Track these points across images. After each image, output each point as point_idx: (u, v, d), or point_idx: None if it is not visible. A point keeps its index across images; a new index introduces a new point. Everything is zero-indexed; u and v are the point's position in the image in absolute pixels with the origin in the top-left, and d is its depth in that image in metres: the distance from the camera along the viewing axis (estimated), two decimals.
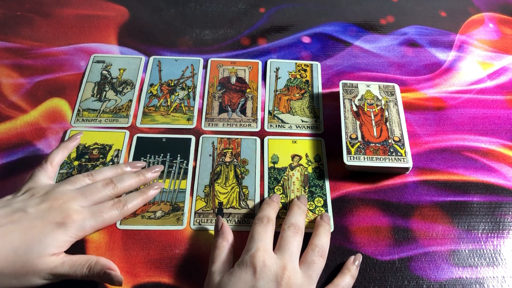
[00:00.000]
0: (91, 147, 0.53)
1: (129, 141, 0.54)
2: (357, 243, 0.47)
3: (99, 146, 0.53)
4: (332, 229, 0.48)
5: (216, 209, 0.49)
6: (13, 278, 0.37)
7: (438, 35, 0.68)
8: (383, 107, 0.56)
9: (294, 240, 0.42)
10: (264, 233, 0.42)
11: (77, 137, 0.52)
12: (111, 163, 0.52)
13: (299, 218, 0.45)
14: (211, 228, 0.48)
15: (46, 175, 0.46)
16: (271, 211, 0.45)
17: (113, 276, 0.40)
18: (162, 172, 0.51)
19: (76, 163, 0.52)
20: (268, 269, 0.38)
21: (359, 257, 0.45)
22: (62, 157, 0.50)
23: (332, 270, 0.45)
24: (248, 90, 0.60)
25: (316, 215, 0.49)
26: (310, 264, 0.41)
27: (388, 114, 0.55)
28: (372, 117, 0.54)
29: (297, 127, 0.56)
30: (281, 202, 0.50)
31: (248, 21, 0.68)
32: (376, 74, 0.62)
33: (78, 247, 0.46)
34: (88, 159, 0.52)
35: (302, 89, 0.60)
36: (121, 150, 0.53)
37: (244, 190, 0.51)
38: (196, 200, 0.50)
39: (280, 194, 0.50)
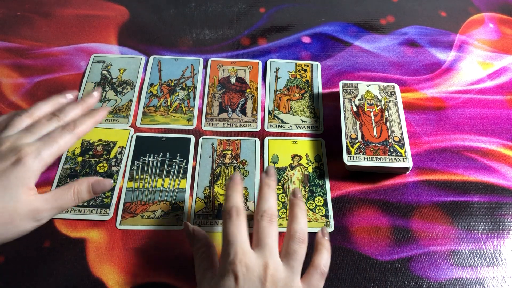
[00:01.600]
0: (95, 143, 0.53)
1: (132, 139, 0.54)
2: (357, 243, 0.47)
3: (104, 143, 0.53)
4: (332, 229, 0.48)
5: (216, 211, 0.49)
6: (2, 229, 0.36)
7: (438, 35, 0.68)
8: (383, 107, 0.56)
9: (270, 230, 0.40)
10: (237, 232, 0.39)
11: (67, 96, 0.46)
12: (114, 160, 0.52)
13: (270, 200, 0.42)
14: (211, 229, 0.48)
15: (21, 126, 0.43)
16: (237, 197, 0.42)
17: (103, 183, 0.40)
18: (162, 171, 0.51)
19: (80, 159, 0.52)
20: (251, 272, 0.37)
21: (325, 229, 0.44)
22: (48, 110, 0.45)
23: (332, 270, 0.45)
24: (248, 90, 0.60)
25: (316, 214, 0.49)
26: (291, 254, 0.40)
27: (388, 114, 0.55)
28: (372, 117, 0.54)
29: (297, 127, 0.56)
30: (281, 202, 0.50)
31: (248, 21, 0.68)
32: (376, 74, 0.62)
33: (78, 247, 0.46)
34: (92, 155, 0.52)
35: (302, 89, 0.60)
36: (125, 147, 0.53)
37: (243, 191, 0.51)
38: (196, 202, 0.50)
39: (280, 194, 0.50)
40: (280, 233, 0.45)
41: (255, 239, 0.40)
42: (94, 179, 0.41)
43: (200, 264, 0.41)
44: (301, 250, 0.40)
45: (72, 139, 0.41)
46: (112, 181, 0.42)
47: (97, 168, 0.51)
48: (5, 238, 0.36)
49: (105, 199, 0.49)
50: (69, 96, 0.46)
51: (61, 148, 0.40)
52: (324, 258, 0.42)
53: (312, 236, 0.44)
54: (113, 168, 0.51)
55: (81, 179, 0.40)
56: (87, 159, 0.52)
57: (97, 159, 0.52)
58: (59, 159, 0.52)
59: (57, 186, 0.49)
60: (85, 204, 0.48)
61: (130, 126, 0.55)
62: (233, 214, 0.40)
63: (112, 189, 0.50)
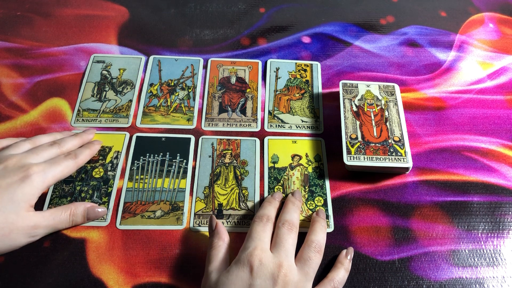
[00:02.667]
0: None
1: (129, 143, 0.54)
2: (357, 243, 0.47)
3: (99, 148, 0.53)
4: (332, 229, 0.48)
5: (216, 211, 0.49)
6: None
7: (438, 35, 0.68)
8: (383, 107, 0.56)
9: (289, 237, 0.42)
10: (262, 232, 0.42)
11: (68, 132, 0.53)
12: (110, 165, 0.52)
13: (293, 214, 0.45)
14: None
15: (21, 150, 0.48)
16: (271, 210, 0.45)
17: (97, 210, 0.44)
18: (162, 171, 0.51)
19: None
20: (265, 267, 0.38)
21: (351, 251, 0.46)
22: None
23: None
24: (248, 90, 0.60)
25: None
26: (306, 260, 0.41)
27: (388, 114, 0.55)
28: (372, 117, 0.54)
29: (297, 127, 0.56)
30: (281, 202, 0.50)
31: (248, 21, 0.68)
32: (376, 74, 0.62)
33: (77, 247, 0.46)
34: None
35: (302, 89, 0.60)
36: (121, 152, 0.53)
37: (243, 191, 0.51)
38: (195, 202, 0.50)
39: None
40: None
41: (274, 241, 0.42)
42: (90, 205, 0.45)
43: (215, 254, 0.42)
44: (316, 258, 0.42)
45: (73, 167, 0.46)
46: (106, 209, 0.47)
47: (93, 173, 0.51)
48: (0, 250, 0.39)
49: (102, 204, 0.49)
50: (67, 132, 0.52)
51: (64, 172, 0.45)
52: (340, 275, 0.43)
53: (335, 258, 0.46)
54: (109, 173, 0.51)
55: (78, 202, 0.45)
56: (82, 165, 0.51)
57: (93, 164, 0.51)
58: None
59: (53, 192, 0.49)
60: None
61: (127, 128, 0.55)
62: (263, 219, 0.44)
63: (109, 193, 0.50)
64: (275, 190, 0.51)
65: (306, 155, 0.54)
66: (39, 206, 0.48)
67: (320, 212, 0.48)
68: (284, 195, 0.50)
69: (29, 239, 0.40)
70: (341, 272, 0.44)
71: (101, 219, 0.48)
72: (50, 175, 0.43)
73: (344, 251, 0.45)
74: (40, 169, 0.42)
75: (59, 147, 0.47)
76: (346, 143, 0.52)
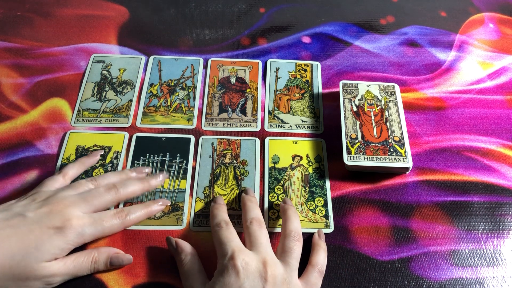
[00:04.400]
0: (90, 149, 0.53)
1: (129, 143, 0.54)
2: (357, 243, 0.47)
3: (99, 148, 0.53)
4: (332, 229, 0.48)
5: None
6: (12, 283, 0.37)
7: (438, 35, 0.68)
8: (383, 107, 0.56)
9: (261, 233, 0.42)
10: (230, 235, 0.41)
11: (97, 154, 0.51)
12: (110, 165, 0.52)
13: (256, 211, 0.45)
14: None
15: (55, 185, 0.45)
16: (223, 214, 0.45)
17: (121, 259, 0.42)
18: (162, 171, 0.51)
19: None
20: (250, 266, 0.38)
21: (321, 231, 0.46)
22: (77, 172, 0.49)
23: (332, 270, 0.45)
24: (248, 90, 0.60)
25: (316, 215, 0.49)
26: (288, 251, 0.41)
27: (388, 114, 0.55)
28: (372, 117, 0.54)
29: (297, 127, 0.56)
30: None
31: (248, 21, 0.68)
32: (376, 74, 0.62)
33: (78, 247, 0.46)
34: None
35: (302, 89, 0.60)
36: (121, 152, 0.53)
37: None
38: (195, 202, 0.50)
39: (280, 194, 0.50)
40: (278, 233, 0.45)
41: (248, 241, 0.42)
42: (114, 252, 0.42)
43: (188, 270, 0.41)
44: (297, 247, 0.42)
45: (119, 227, 0.43)
46: (131, 257, 0.44)
47: (93, 174, 0.51)
48: None
49: None
50: (145, 170, 0.50)
51: (106, 231, 0.42)
52: (321, 257, 0.43)
53: (308, 238, 0.45)
54: None
55: (103, 248, 0.42)
56: None
57: (93, 165, 0.51)
58: (54, 164, 0.52)
59: None
60: None
61: (127, 128, 0.55)
62: (222, 225, 0.42)
63: None
64: (275, 190, 0.51)
65: (307, 156, 0.54)
66: None
67: (286, 200, 0.47)
68: (283, 195, 0.50)
69: (44, 286, 0.38)
70: (322, 254, 0.44)
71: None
72: (88, 232, 0.40)
73: (316, 233, 0.46)
74: (79, 224, 0.40)
75: (115, 193, 0.44)
76: (346, 143, 0.52)
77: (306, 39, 0.66)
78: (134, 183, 0.47)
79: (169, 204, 0.48)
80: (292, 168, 0.52)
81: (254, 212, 0.44)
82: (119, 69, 0.61)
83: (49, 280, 0.38)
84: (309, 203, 0.50)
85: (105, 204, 0.44)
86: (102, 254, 0.41)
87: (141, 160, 0.52)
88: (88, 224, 0.40)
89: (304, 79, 0.61)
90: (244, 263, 0.38)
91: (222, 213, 0.45)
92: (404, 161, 0.51)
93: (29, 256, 0.37)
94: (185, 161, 0.52)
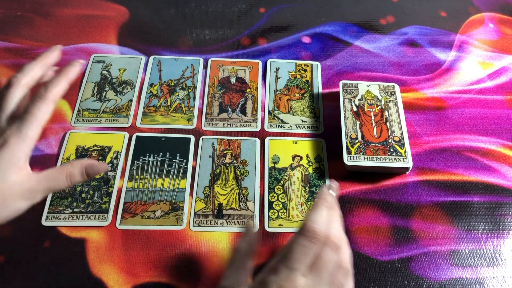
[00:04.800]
0: (90, 149, 0.53)
1: (129, 143, 0.54)
2: (357, 243, 0.47)
3: (99, 148, 0.53)
4: None
5: (216, 211, 0.49)
6: None
7: (438, 35, 0.68)
8: (383, 107, 0.56)
9: (331, 264, 0.35)
10: (303, 255, 0.34)
11: (76, 65, 0.45)
12: (110, 165, 0.52)
13: (339, 228, 0.37)
14: (210, 229, 0.48)
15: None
16: (324, 218, 0.36)
17: (97, 167, 0.40)
18: (162, 170, 0.51)
19: None
20: None
21: (334, 182, 0.40)
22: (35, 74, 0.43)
23: None
24: (248, 90, 0.60)
25: None
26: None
27: (388, 114, 0.55)
28: (372, 117, 0.54)
29: (297, 127, 0.56)
30: (280, 202, 0.50)
31: (248, 21, 0.68)
32: (376, 74, 0.62)
33: (77, 247, 0.46)
34: None
35: (302, 89, 0.60)
36: (121, 152, 0.53)
37: (243, 191, 0.51)
38: (195, 201, 0.50)
39: (280, 194, 0.50)
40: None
41: (312, 262, 0.35)
42: (88, 162, 0.40)
43: (232, 259, 0.38)
44: (349, 283, 0.37)
45: (48, 107, 0.39)
46: (107, 166, 0.41)
47: None
48: (0, 217, 0.37)
49: (103, 204, 0.49)
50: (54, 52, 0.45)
51: (41, 119, 0.39)
52: (322, 215, 0.37)
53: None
54: (110, 173, 0.51)
55: (75, 161, 0.40)
56: None
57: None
58: (54, 163, 0.52)
59: (53, 193, 0.49)
60: (82, 210, 0.48)
61: (127, 128, 0.55)
62: (315, 236, 0.35)
63: (109, 193, 0.50)
64: (275, 190, 0.51)
65: (307, 156, 0.54)
66: (39, 206, 0.48)
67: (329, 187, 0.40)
68: (283, 195, 0.50)
69: (28, 201, 0.38)
70: (323, 212, 0.37)
71: (101, 218, 0.47)
72: (26, 130, 0.38)
73: (325, 186, 0.40)
74: (13, 129, 0.38)
75: (22, 90, 0.40)
76: (346, 143, 0.52)
77: (306, 39, 0.66)
78: (31, 66, 0.42)
79: (83, 61, 0.44)
80: (292, 168, 0.52)
81: (339, 231, 0.37)
82: (119, 69, 0.61)
83: (29, 195, 0.38)
84: (309, 203, 0.50)
85: (18, 101, 0.41)
86: (75, 166, 0.40)
87: (141, 160, 0.52)
88: (21, 124, 0.38)
89: (304, 79, 0.61)
90: None
91: (328, 220, 0.37)
92: (404, 161, 0.51)
93: None
94: (185, 160, 0.52)
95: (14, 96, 0.40)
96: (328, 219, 0.36)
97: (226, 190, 0.51)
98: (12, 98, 0.40)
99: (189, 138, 0.54)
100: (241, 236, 0.40)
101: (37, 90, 0.40)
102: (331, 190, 0.39)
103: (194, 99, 0.58)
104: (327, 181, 0.51)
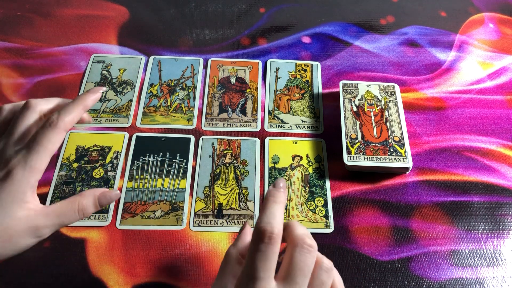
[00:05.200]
0: (90, 149, 0.53)
1: (129, 143, 0.54)
2: (357, 243, 0.47)
3: (99, 148, 0.53)
4: (332, 229, 0.48)
5: (216, 210, 0.49)
6: (4, 246, 0.34)
7: (438, 35, 0.68)
8: (383, 107, 0.56)
9: (305, 264, 0.32)
10: (263, 261, 0.30)
11: (99, 90, 0.41)
12: (110, 165, 0.52)
13: (303, 227, 0.34)
14: (210, 229, 0.48)
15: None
16: (276, 214, 0.32)
17: (109, 196, 0.38)
18: (162, 171, 0.51)
19: (75, 165, 0.52)
20: None
21: (282, 181, 0.35)
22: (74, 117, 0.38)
23: None
24: (248, 90, 0.60)
25: (316, 215, 0.49)
26: (319, 287, 0.32)
27: (388, 114, 0.55)
28: (372, 117, 0.54)
29: (297, 127, 0.56)
30: None
31: (248, 21, 0.68)
32: (376, 74, 0.62)
33: (77, 247, 0.46)
34: (87, 161, 0.52)
35: (302, 89, 0.60)
36: (121, 152, 0.53)
37: (243, 191, 0.51)
38: (195, 201, 0.50)
39: None
40: None
41: (285, 269, 0.32)
42: (100, 192, 0.38)
43: (220, 270, 0.36)
44: (329, 280, 0.33)
45: (58, 136, 0.36)
46: (119, 192, 0.40)
47: (93, 173, 0.51)
48: (5, 255, 0.34)
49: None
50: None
51: (49, 150, 0.36)
52: (271, 210, 0.33)
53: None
54: (110, 173, 0.51)
55: (86, 192, 0.38)
56: (82, 165, 0.51)
57: (93, 165, 0.52)
58: (54, 164, 0.52)
59: (53, 193, 0.49)
60: None
61: (127, 128, 0.55)
62: (265, 235, 0.31)
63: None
64: None
65: (307, 156, 0.54)
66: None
67: (278, 182, 0.35)
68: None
69: (35, 239, 0.35)
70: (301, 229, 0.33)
71: (101, 218, 0.48)
72: (32, 161, 0.35)
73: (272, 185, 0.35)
74: (19, 159, 0.35)
75: (35, 116, 0.38)
76: (346, 143, 0.52)
77: (306, 39, 0.66)
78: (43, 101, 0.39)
79: (105, 89, 0.41)
80: (292, 168, 0.52)
81: (303, 229, 0.33)
82: (119, 69, 0.61)
83: (36, 233, 0.35)
84: (309, 203, 0.50)
85: (31, 126, 0.38)
86: (87, 197, 0.37)
87: (141, 160, 0.52)
88: (27, 154, 0.35)
89: (304, 79, 0.61)
90: None
91: (277, 210, 0.33)
92: (404, 161, 0.51)
93: None
94: (185, 160, 0.52)
95: (27, 120, 0.37)
96: (280, 211, 0.33)
97: (226, 190, 0.51)
98: (24, 121, 0.37)
99: (189, 138, 0.54)
100: (236, 238, 0.38)
101: (49, 116, 0.37)
102: (277, 186, 0.35)
103: (194, 99, 0.58)
104: (327, 181, 0.51)
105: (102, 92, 0.41)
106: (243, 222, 0.45)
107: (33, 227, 0.35)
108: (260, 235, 0.31)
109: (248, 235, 0.38)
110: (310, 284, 0.32)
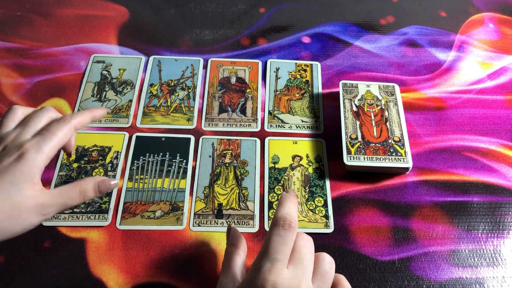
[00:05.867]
0: (90, 149, 0.53)
1: (129, 143, 0.54)
2: (357, 243, 0.47)
3: (98, 148, 0.53)
4: (332, 229, 0.48)
5: (216, 210, 0.49)
6: (8, 222, 0.37)
7: (438, 35, 0.68)
8: (383, 107, 0.56)
9: (308, 251, 0.36)
10: (282, 245, 0.35)
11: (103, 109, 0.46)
12: (110, 165, 0.52)
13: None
14: (210, 229, 0.48)
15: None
16: (293, 208, 0.37)
17: (108, 183, 0.41)
18: (161, 171, 0.51)
19: (75, 165, 0.52)
20: None
21: (292, 190, 0.41)
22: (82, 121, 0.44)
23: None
24: (248, 90, 0.60)
25: (316, 215, 0.49)
26: (322, 275, 0.36)
27: (388, 114, 0.55)
28: (372, 117, 0.54)
29: (297, 127, 0.56)
30: None
31: (248, 21, 0.68)
32: (376, 74, 0.62)
33: (77, 247, 0.46)
34: (87, 161, 0.52)
35: (302, 89, 0.60)
36: (121, 152, 0.53)
37: (243, 191, 0.51)
38: (195, 201, 0.50)
39: (280, 194, 0.50)
40: None
41: (292, 254, 0.36)
42: (100, 179, 0.42)
43: (225, 263, 0.39)
44: (332, 271, 0.37)
45: (69, 130, 0.41)
46: (117, 181, 0.43)
47: (93, 174, 0.51)
48: (13, 232, 0.37)
49: (102, 204, 0.49)
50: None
51: (60, 140, 0.40)
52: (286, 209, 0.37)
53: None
54: (110, 173, 0.51)
55: (87, 178, 0.41)
56: (82, 165, 0.52)
57: (93, 165, 0.52)
58: (54, 164, 0.52)
59: None
60: (82, 210, 0.48)
61: (127, 128, 0.55)
62: (285, 223, 0.36)
63: (109, 193, 0.50)
64: (275, 190, 0.51)
65: (307, 156, 0.54)
66: None
67: (289, 191, 0.40)
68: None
69: (41, 217, 0.39)
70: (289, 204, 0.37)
71: (101, 218, 0.48)
72: (46, 147, 0.39)
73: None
74: (33, 143, 0.39)
75: (52, 114, 0.43)
76: (346, 143, 0.52)
77: (306, 39, 0.66)
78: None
79: (109, 110, 0.47)
80: (292, 168, 0.52)
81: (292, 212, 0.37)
82: (119, 69, 0.61)
83: (42, 211, 0.38)
84: (309, 203, 0.50)
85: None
86: (88, 182, 0.41)
87: (141, 160, 0.52)
88: (41, 140, 0.39)
89: (304, 79, 0.61)
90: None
91: (292, 206, 0.38)
92: (404, 161, 0.51)
93: (9, 192, 0.38)
94: (185, 160, 0.52)
95: (42, 116, 0.42)
96: (296, 209, 0.37)
97: (226, 190, 0.51)
98: (38, 117, 0.42)
99: (189, 138, 0.54)
100: (228, 239, 0.41)
101: (62, 115, 0.42)
102: (289, 191, 0.39)
103: (194, 99, 0.58)
104: (327, 181, 0.51)
105: (107, 111, 0.47)
106: (228, 225, 0.44)
107: (40, 205, 0.38)
108: (281, 222, 0.35)
109: (238, 236, 0.41)
110: (314, 273, 0.36)
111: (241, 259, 0.40)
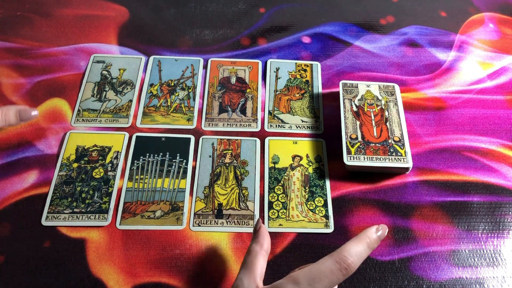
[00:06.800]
0: (90, 149, 0.53)
1: (129, 143, 0.54)
2: None
3: (98, 148, 0.53)
4: (332, 229, 0.48)
5: (216, 210, 0.49)
6: None
7: (438, 35, 0.68)
8: (383, 107, 0.56)
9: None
10: (328, 281, 0.34)
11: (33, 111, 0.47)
12: (110, 165, 0.52)
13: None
14: (210, 229, 0.48)
15: None
16: (363, 254, 0.35)
17: (29, 112, 0.44)
18: (161, 171, 0.51)
19: (75, 165, 0.52)
20: None
21: (384, 228, 0.37)
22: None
23: None
24: (248, 90, 0.60)
25: (316, 215, 0.49)
26: None
27: (388, 114, 0.55)
28: (372, 117, 0.54)
29: (297, 127, 0.56)
30: (281, 202, 0.50)
31: (248, 21, 0.68)
32: (376, 74, 0.62)
33: (77, 247, 0.46)
34: (87, 161, 0.52)
35: (302, 89, 0.60)
36: (120, 152, 0.53)
37: (243, 191, 0.51)
38: (195, 201, 0.50)
39: (280, 194, 0.50)
40: (278, 233, 0.45)
41: (310, 274, 0.35)
42: (21, 107, 0.45)
43: (246, 260, 0.39)
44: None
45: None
46: (37, 112, 0.46)
47: (93, 173, 0.51)
48: None
49: (102, 204, 0.49)
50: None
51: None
52: (358, 249, 0.36)
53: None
54: (109, 173, 0.51)
55: (9, 105, 0.44)
56: (82, 165, 0.52)
57: (93, 165, 0.52)
58: (54, 164, 0.52)
59: (53, 193, 0.49)
60: (82, 210, 0.48)
61: (127, 128, 0.55)
62: (342, 268, 0.35)
63: (109, 193, 0.50)
64: (275, 190, 0.51)
65: (307, 156, 0.54)
66: (39, 206, 0.48)
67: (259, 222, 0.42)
68: (283, 195, 0.50)
69: None
70: (361, 246, 0.35)
71: (101, 218, 0.47)
72: None
73: (375, 227, 0.37)
74: None
75: None
76: (346, 143, 0.52)
77: (306, 39, 0.66)
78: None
79: (36, 113, 0.46)
80: (292, 168, 0.52)
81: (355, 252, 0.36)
82: (119, 69, 0.61)
83: None
84: (309, 203, 0.50)
85: None
86: (10, 109, 0.44)
87: (141, 160, 0.52)
88: None
89: (304, 79, 0.61)
90: None
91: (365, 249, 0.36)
92: (404, 161, 0.51)
93: None
94: (185, 160, 0.52)
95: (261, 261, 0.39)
96: (363, 257, 0.36)
97: (226, 190, 0.51)
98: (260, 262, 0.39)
99: (189, 138, 0.54)
100: (254, 236, 0.40)
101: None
102: (379, 233, 0.37)
103: (194, 99, 0.58)
104: (327, 181, 0.51)
105: None
106: (257, 221, 0.42)
107: None
108: (340, 260, 0.34)
109: (266, 235, 0.40)
110: None
111: (264, 261, 0.39)
